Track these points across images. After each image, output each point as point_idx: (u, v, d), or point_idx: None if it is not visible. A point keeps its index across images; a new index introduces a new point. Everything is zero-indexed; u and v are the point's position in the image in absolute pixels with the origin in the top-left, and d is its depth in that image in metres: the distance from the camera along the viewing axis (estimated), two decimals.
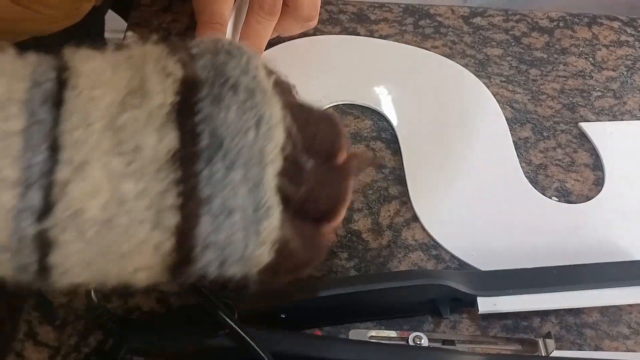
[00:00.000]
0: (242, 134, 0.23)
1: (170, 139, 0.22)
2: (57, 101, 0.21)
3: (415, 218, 0.42)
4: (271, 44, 0.50)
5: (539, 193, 0.43)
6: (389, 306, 0.38)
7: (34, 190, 0.20)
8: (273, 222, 0.23)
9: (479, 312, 0.36)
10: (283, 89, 0.26)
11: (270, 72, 0.26)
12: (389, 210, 0.43)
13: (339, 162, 0.28)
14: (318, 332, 0.35)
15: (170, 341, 0.34)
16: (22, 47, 0.24)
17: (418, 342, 0.34)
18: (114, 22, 0.69)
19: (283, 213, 0.24)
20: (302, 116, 0.26)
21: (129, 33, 0.51)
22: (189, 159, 0.22)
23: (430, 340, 0.35)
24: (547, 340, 0.35)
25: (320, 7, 0.53)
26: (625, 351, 0.38)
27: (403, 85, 0.49)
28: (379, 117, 0.47)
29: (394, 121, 0.46)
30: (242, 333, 0.31)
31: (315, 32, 0.52)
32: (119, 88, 0.22)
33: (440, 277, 0.36)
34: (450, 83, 0.49)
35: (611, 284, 0.37)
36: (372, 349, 0.32)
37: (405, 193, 0.43)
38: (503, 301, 0.36)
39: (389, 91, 0.48)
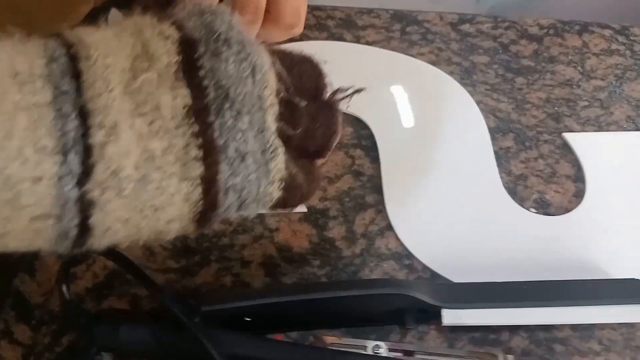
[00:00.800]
0: (242, 83, 0.24)
1: (184, 96, 0.23)
2: (74, 73, 0.22)
3: (390, 227, 0.41)
4: None
5: (517, 204, 0.42)
6: (356, 314, 0.37)
7: (72, 156, 0.21)
8: (279, 162, 0.25)
9: (443, 324, 0.35)
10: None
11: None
12: (364, 219, 0.42)
13: (326, 99, 0.29)
14: (279, 337, 0.35)
15: (136, 340, 0.33)
16: None
17: (377, 352, 0.33)
18: None
19: (286, 152, 0.26)
20: (286, 60, 0.27)
21: (113, 10, 0.50)
22: (201, 112, 0.23)
23: (390, 350, 0.34)
24: (508, 356, 0.34)
25: (308, 12, 0.52)
26: None
27: (386, 92, 0.48)
28: (361, 124, 0.46)
29: (374, 128, 0.45)
30: (199, 335, 0.30)
31: (302, 37, 0.51)
32: (126, 54, 0.23)
33: (403, 287, 0.35)
34: (434, 90, 0.48)
35: (582, 302, 0.36)
36: (325, 355, 0.32)
37: (381, 201, 0.42)
38: (468, 314, 0.35)
39: (371, 98, 0.47)
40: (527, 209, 0.42)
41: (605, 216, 0.42)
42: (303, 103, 0.26)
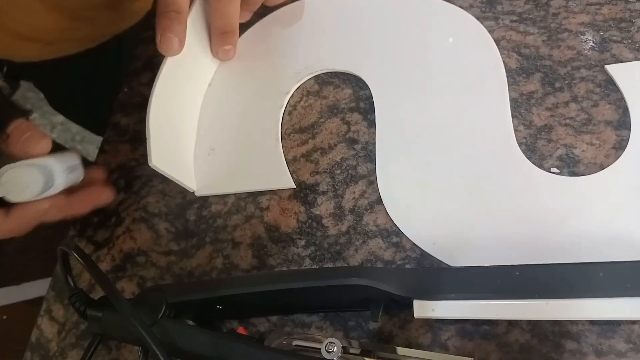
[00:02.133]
0: None
1: None
2: None
3: (381, 200, 0.33)
4: (262, 14, 0.43)
5: (533, 165, 0.31)
6: (327, 301, 0.31)
7: None
8: None
9: (415, 317, 0.27)
10: None
11: None
12: (354, 192, 0.34)
13: None
14: (242, 330, 0.30)
15: (116, 326, 0.32)
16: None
17: (329, 350, 0.27)
18: None
19: None
20: None
21: None
22: None
23: (351, 347, 0.28)
24: None
25: None
26: None
27: (390, 43, 0.37)
28: (361, 82, 0.38)
29: (373, 86, 0.36)
30: (147, 337, 0.28)
31: None
32: None
33: (366, 276, 0.28)
34: (445, 33, 0.36)
35: (594, 294, 0.25)
36: (260, 355, 0.27)
37: (374, 171, 0.34)
38: (444, 306, 0.27)
39: (374, 52, 0.38)
40: (548, 170, 0.31)
41: None
42: None
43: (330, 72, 0.39)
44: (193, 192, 0.37)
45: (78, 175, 0.35)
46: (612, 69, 0.31)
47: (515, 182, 0.30)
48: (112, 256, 0.38)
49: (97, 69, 0.55)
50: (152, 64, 0.46)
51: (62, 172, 0.33)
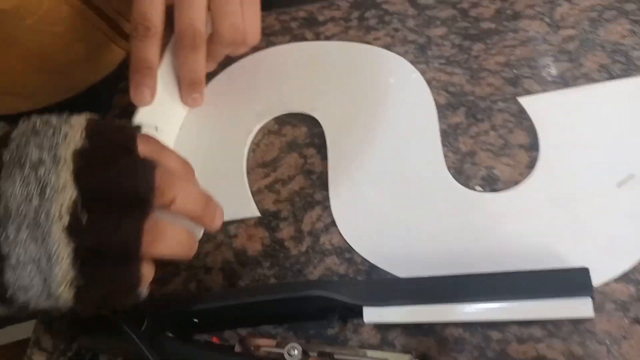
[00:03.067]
0: (26, 203, 0.24)
1: None
2: None
3: (334, 223, 0.38)
4: (227, 64, 0.48)
5: (460, 185, 0.36)
6: (291, 313, 0.35)
7: None
8: (64, 266, 0.25)
9: (365, 322, 0.32)
10: (98, 144, 0.26)
11: (95, 130, 0.27)
12: (312, 217, 0.39)
13: (140, 209, 0.27)
14: (215, 339, 0.34)
15: (107, 344, 0.35)
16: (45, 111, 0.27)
17: (291, 354, 0.31)
18: None
19: (75, 257, 0.25)
20: (98, 173, 0.26)
21: None
22: None
23: (310, 351, 0.32)
24: (416, 359, 0.29)
25: (274, 18, 0.49)
26: (534, 357, 0.30)
27: (339, 86, 0.43)
28: (315, 122, 0.43)
29: (325, 124, 0.42)
30: (138, 343, 0.31)
31: (267, 44, 0.48)
32: None
33: (322, 288, 0.32)
34: (385, 76, 0.42)
35: (515, 297, 0.29)
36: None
37: (327, 197, 0.39)
38: (389, 312, 0.31)
39: (325, 94, 0.43)
40: (473, 188, 0.36)
41: (557, 187, 0.34)
42: (95, 216, 0.25)
43: (288, 113, 0.44)
44: None
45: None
46: (524, 101, 0.37)
47: (447, 201, 0.35)
48: None
49: None
50: (128, 112, 0.50)
51: None
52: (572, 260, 0.31)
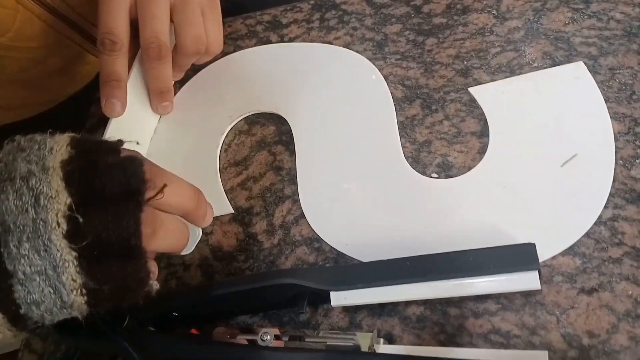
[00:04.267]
0: (22, 215, 0.24)
1: None
2: None
3: (303, 215, 0.40)
4: (196, 70, 0.49)
5: (417, 173, 0.38)
6: (264, 302, 0.36)
7: None
8: (71, 273, 0.25)
9: (332, 306, 0.33)
10: (83, 153, 0.27)
11: (79, 144, 0.27)
12: (282, 211, 0.40)
13: (134, 201, 0.27)
14: (194, 331, 0.36)
15: (91, 343, 0.36)
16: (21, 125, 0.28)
17: (264, 339, 0.33)
18: None
19: (81, 261, 0.25)
20: (87, 174, 0.26)
21: None
22: None
23: (282, 335, 0.34)
24: (377, 338, 0.31)
25: (240, 22, 0.51)
26: (490, 329, 0.32)
27: (304, 85, 0.44)
28: (282, 120, 0.44)
29: (291, 122, 0.43)
30: (118, 340, 0.32)
31: (235, 48, 0.50)
32: None
33: (291, 276, 0.33)
34: (345, 74, 0.43)
35: (468, 274, 0.30)
36: (211, 348, 0.32)
37: (296, 191, 0.41)
38: (353, 295, 0.33)
39: (291, 94, 0.45)
40: (429, 176, 0.38)
41: (506, 170, 0.35)
42: (89, 216, 0.25)
43: (257, 114, 0.45)
44: None
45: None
46: (474, 90, 0.39)
47: (405, 189, 0.37)
48: None
49: (57, 128, 0.61)
50: (107, 121, 0.52)
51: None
52: (521, 237, 0.33)
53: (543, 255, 0.32)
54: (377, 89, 0.41)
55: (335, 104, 0.42)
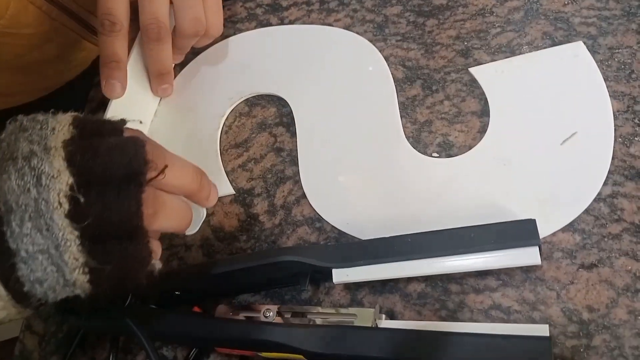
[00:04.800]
0: (24, 195, 0.24)
1: None
2: None
3: (305, 195, 0.40)
4: (196, 53, 0.49)
5: (418, 152, 0.38)
6: (266, 280, 0.36)
7: None
8: (74, 252, 0.25)
9: (334, 283, 0.33)
10: (85, 133, 0.27)
11: (81, 123, 0.27)
12: (284, 191, 0.40)
13: (135, 182, 0.27)
14: (196, 308, 0.36)
15: (94, 322, 0.36)
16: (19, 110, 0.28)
17: (266, 316, 0.33)
18: None
19: (83, 240, 0.25)
20: (89, 155, 0.26)
21: None
22: None
23: (284, 312, 0.34)
24: (379, 313, 0.31)
25: (240, 6, 0.51)
26: (491, 305, 0.32)
27: (304, 66, 0.44)
28: (282, 102, 0.44)
29: (292, 104, 0.43)
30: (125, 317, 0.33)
31: (235, 31, 0.50)
32: None
33: (293, 253, 0.33)
34: (346, 55, 0.43)
35: (470, 250, 0.31)
36: (215, 324, 0.32)
37: (298, 172, 0.41)
38: (355, 272, 0.33)
39: (291, 75, 0.45)
40: (430, 155, 0.38)
41: (506, 149, 0.35)
42: (91, 197, 0.25)
43: (257, 95, 0.45)
44: None
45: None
46: (474, 71, 0.39)
47: (406, 168, 0.37)
48: None
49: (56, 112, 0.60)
50: (106, 104, 0.52)
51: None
52: (521, 214, 0.33)
53: (543, 231, 0.32)
54: (377, 70, 0.41)
55: (336, 85, 0.42)
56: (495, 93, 0.37)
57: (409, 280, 0.34)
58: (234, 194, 0.41)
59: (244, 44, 0.47)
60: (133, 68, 0.42)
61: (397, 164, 0.37)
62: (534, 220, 0.31)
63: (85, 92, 0.54)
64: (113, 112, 0.41)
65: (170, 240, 0.41)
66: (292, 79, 0.44)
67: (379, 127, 0.39)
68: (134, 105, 0.43)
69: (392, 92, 0.40)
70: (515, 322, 0.31)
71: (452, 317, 0.32)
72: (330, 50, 0.44)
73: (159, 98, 0.46)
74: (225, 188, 0.41)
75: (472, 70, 0.39)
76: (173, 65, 0.44)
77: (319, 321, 0.32)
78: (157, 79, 0.43)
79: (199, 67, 0.47)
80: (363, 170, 0.38)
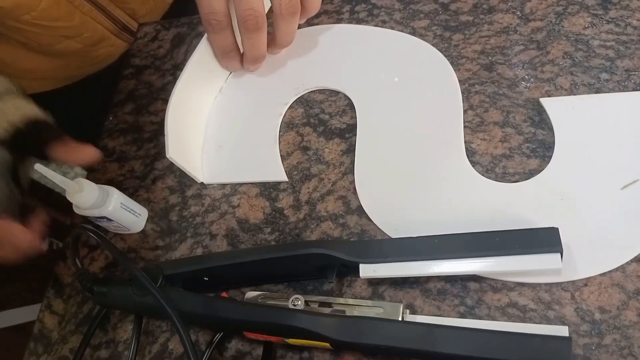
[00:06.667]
0: None
1: None
2: None
3: (329, 192, 0.42)
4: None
5: (477, 172, 0.38)
6: (292, 271, 0.38)
7: None
8: None
9: (361, 277, 0.35)
10: None
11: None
12: (309, 188, 0.43)
13: None
14: (225, 294, 0.37)
15: (120, 297, 0.38)
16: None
17: (295, 304, 0.35)
18: None
19: None
20: None
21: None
22: None
23: (311, 302, 0.36)
24: (405, 308, 0.33)
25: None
26: (507, 303, 0.35)
27: (370, 67, 0.45)
28: (311, 104, 0.47)
29: (356, 102, 0.44)
30: (156, 294, 0.34)
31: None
32: None
33: (324, 246, 0.35)
34: (415, 62, 0.44)
35: (493, 253, 0.33)
36: (246, 309, 0.34)
37: (323, 170, 0.43)
38: (381, 268, 0.34)
39: (356, 74, 0.45)
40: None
41: (566, 184, 0.36)
42: None
43: (317, 90, 0.47)
44: (176, 195, 0.45)
45: (133, 221, 0.43)
46: (545, 102, 0.39)
47: (462, 186, 0.38)
48: (105, 255, 0.45)
49: (82, 102, 0.63)
50: (134, 96, 0.54)
51: (118, 203, 0.40)
52: (570, 251, 0.34)
53: (587, 272, 0.33)
54: (447, 85, 0.43)
55: (404, 92, 0.43)
56: (563, 127, 0.38)
57: (429, 276, 0.36)
58: (260, 189, 0.43)
59: (315, 39, 0.49)
60: (202, 54, 0.45)
61: (455, 180, 0.39)
62: (557, 228, 0.32)
63: (110, 85, 0.56)
64: (185, 80, 0.44)
65: (195, 229, 0.43)
66: (359, 78, 0.45)
67: (441, 141, 0.40)
68: (204, 77, 0.47)
69: (459, 109, 0.41)
70: (530, 320, 0.33)
71: (470, 314, 0.34)
72: (397, 54, 0.45)
73: (226, 76, 0.49)
74: (279, 174, 0.43)
75: (543, 101, 0.40)
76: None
77: (346, 312, 0.34)
78: (251, 62, 0.46)
79: (269, 55, 0.48)
80: (418, 180, 0.39)
